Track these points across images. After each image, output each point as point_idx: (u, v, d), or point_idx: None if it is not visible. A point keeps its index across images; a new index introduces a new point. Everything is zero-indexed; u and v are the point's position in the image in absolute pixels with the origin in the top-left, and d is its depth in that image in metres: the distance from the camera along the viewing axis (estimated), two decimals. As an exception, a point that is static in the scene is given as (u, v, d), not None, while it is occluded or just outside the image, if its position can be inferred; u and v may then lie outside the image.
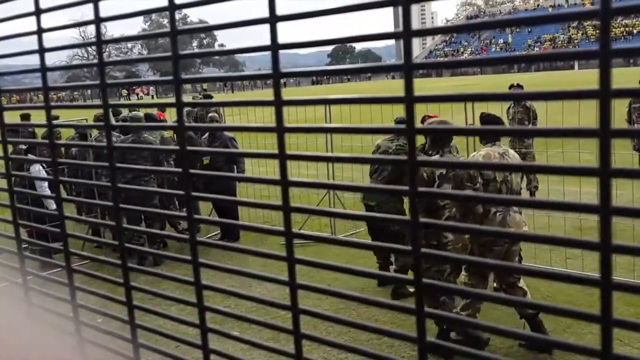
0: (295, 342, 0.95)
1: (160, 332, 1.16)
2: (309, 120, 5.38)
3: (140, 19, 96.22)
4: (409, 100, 0.79)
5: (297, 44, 0.89)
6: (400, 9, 0.82)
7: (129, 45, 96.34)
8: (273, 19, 0.90)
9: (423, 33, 0.79)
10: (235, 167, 9.53)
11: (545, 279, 0.66)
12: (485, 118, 5.81)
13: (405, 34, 0.78)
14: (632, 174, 0.65)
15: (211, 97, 19.08)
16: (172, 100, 1.09)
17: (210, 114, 11.00)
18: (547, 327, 5.29)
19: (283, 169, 0.92)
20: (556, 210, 0.67)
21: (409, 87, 0.79)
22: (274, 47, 0.90)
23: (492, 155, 5.35)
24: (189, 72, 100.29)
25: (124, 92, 63.31)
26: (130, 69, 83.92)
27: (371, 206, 7.02)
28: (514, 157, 5.54)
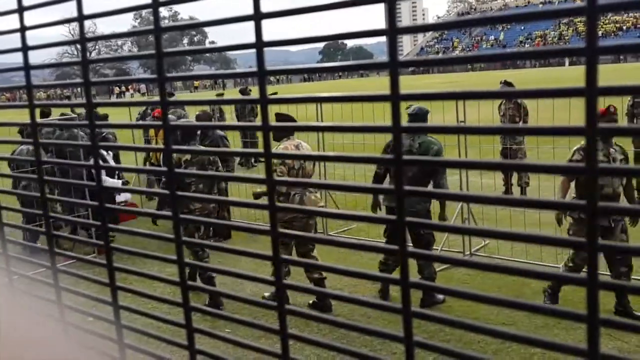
0: (282, 341, 0.95)
1: (146, 333, 1.15)
2: (300, 118, 5.39)
3: (131, 16, 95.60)
4: (395, 98, 0.78)
5: (282, 41, 0.88)
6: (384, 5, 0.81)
7: (119, 42, 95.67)
8: (257, 16, 0.89)
9: (408, 31, 0.78)
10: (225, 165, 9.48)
11: (532, 278, 0.66)
12: (279, 117, 6.91)
13: (390, 32, 0.78)
14: (618, 173, 0.65)
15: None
16: (157, 98, 1.08)
17: (197, 112, 10.97)
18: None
19: (268, 168, 0.91)
20: (543, 208, 0.67)
21: (394, 85, 0.78)
22: (259, 44, 0.89)
23: (289, 147, 6.41)
24: (179, 70, 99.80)
25: (117, 89, 63.06)
26: (120, 67, 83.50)
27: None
28: (306, 148, 6.66)
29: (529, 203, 0.67)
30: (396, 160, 0.81)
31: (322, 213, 0.83)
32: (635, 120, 10.51)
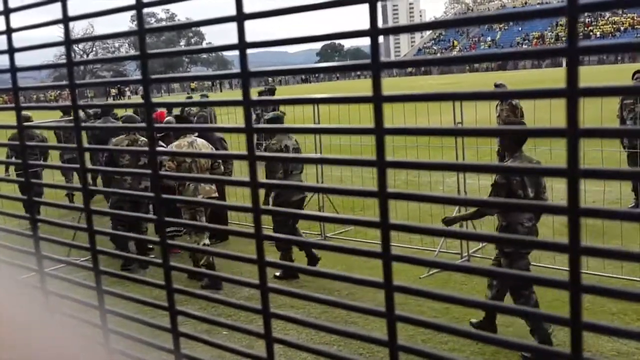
0: (267, 346, 0.94)
1: (133, 337, 1.14)
2: (297, 119, 5.40)
3: (128, 17, 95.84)
4: (377, 99, 0.78)
5: (264, 42, 0.87)
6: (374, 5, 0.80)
7: (116, 44, 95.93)
8: (240, 17, 0.88)
9: (390, 31, 0.78)
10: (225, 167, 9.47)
11: (514, 281, 0.65)
12: (178, 119, 8.66)
13: (372, 32, 0.77)
14: (600, 175, 0.64)
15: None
16: (146, 100, 1.07)
17: (199, 113, 10.97)
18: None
19: (252, 171, 0.90)
20: (523, 211, 0.66)
21: (376, 86, 0.78)
22: (242, 45, 0.88)
23: (182, 144, 7.09)
24: (177, 71, 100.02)
25: (113, 91, 63.10)
26: (117, 69, 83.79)
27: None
28: (202, 145, 7.22)
29: (503, 206, 0.66)
30: (379, 161, 0.80)
31: (302, 215, 0.83)
32: (625, 123, 10.45)
